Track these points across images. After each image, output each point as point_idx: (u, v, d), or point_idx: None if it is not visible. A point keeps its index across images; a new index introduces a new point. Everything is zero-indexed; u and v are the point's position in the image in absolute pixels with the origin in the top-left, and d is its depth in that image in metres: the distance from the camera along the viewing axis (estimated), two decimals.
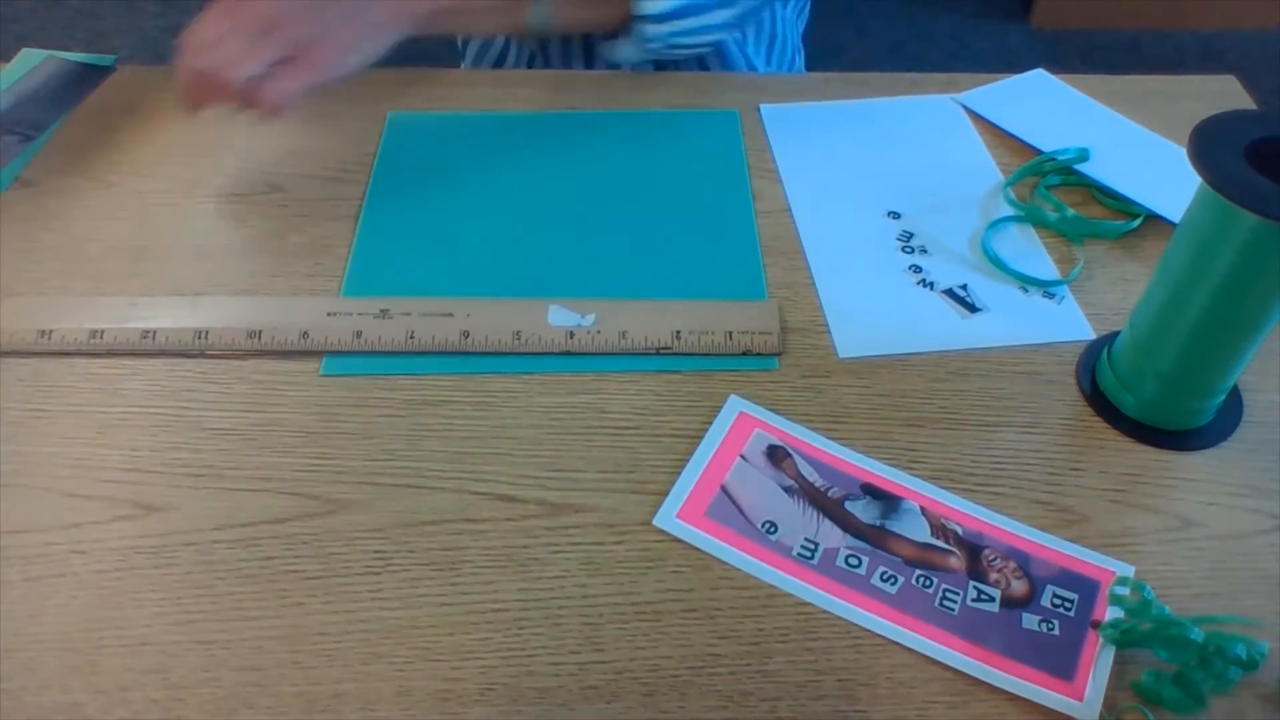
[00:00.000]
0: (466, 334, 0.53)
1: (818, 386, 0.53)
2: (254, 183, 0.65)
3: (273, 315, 0.55)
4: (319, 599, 0.44)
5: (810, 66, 0.93)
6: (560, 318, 0.54)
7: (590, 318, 0.54)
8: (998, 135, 0.70)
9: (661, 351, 0.54)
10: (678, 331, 0.54)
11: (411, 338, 0.53)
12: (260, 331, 0.54)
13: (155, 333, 0.54)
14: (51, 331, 0.54)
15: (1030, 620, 0.44)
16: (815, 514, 0.47)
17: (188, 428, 0.50)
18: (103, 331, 0.54)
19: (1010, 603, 0.44)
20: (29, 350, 0.53)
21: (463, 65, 0.89)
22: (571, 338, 0.53)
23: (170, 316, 0.55)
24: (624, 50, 0.68)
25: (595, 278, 0.58)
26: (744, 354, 0.54)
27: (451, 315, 0.54)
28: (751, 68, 0.85)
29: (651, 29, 0.65)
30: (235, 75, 0.52)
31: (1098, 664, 0.42)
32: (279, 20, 0.53)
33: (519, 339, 0.53)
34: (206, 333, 0.54)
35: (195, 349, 0.54)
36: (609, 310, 0.55)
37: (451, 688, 0.41)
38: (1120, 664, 0.42)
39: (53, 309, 0.55)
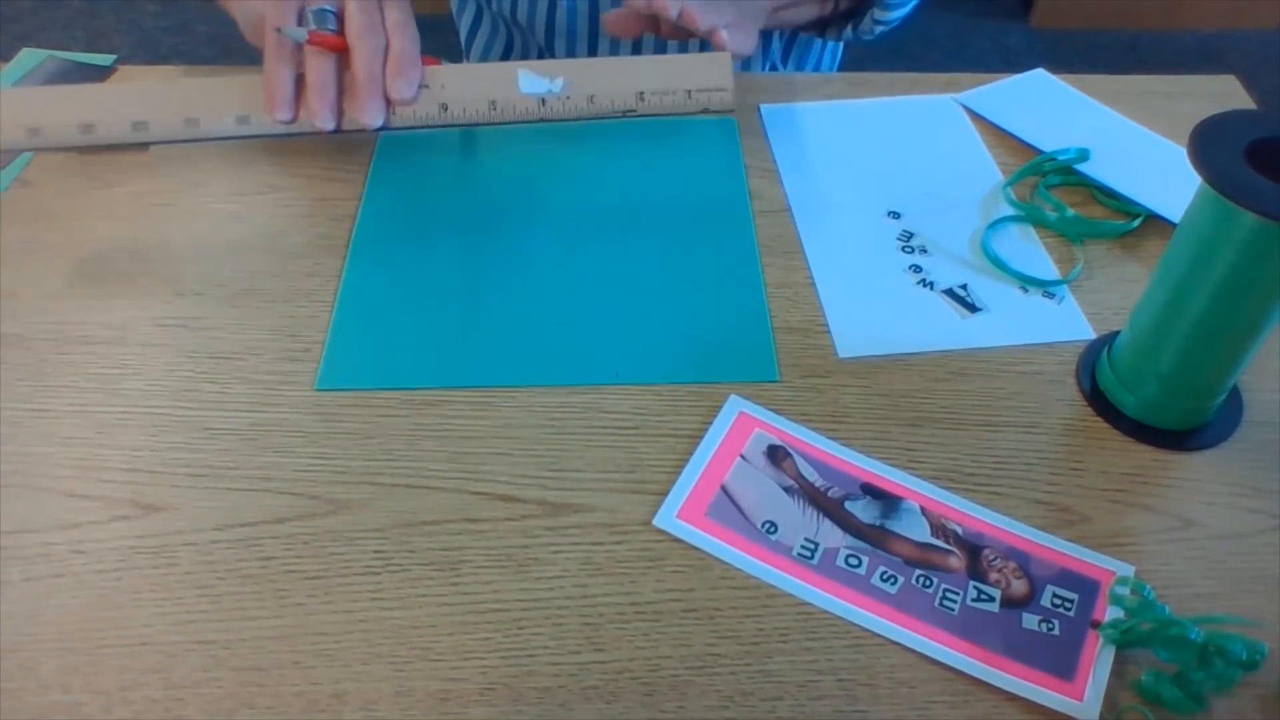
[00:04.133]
0: (445, 106, 0.56)
1: (818, 386, 0.53)
2: (254, 183, 0.65)
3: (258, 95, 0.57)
4: (319, 599, 0.44)
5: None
6: (531, 84, 0.56)
7: (559, 82, 0.56)
8: (998, 135, 0.70)
9: (628, 114, 0.56)
10: (641, 93, 0.57)
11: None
12: (249, 117, 0.56)
13: (147, 124, 0.54)
14: (40, 129, 0.54)
15: (1030, 620, 0.44)
16: (815, 514, 0.47)
17: (188, 428, 0.51)
18: (94, 125, 0.54)
19: (1010, 603, 0.44)
20: (19, 148, 0.54)
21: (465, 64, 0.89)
22: (544, 104, 0.55)
23: (161, 108, 0.56)
24: (847, 35, 0.77)
25: (595, 278, 0.58)
26: (703, 112, 0.56)
27: (427, 87, 0.57)
28: (775, 68, 0.86)
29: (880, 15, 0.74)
30: (702, 21, 0.59)
31: (1098, 664, 0.42)
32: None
33: (494, 108, 0.56)
34: (198, 121, 0.55)
35: (187, 135, 0.55)
36: (577, 72, 0.57)
37: (451, 688, 0.41)
38: (1120, 664, 0.42)
39: (42, 100, 0.56)
